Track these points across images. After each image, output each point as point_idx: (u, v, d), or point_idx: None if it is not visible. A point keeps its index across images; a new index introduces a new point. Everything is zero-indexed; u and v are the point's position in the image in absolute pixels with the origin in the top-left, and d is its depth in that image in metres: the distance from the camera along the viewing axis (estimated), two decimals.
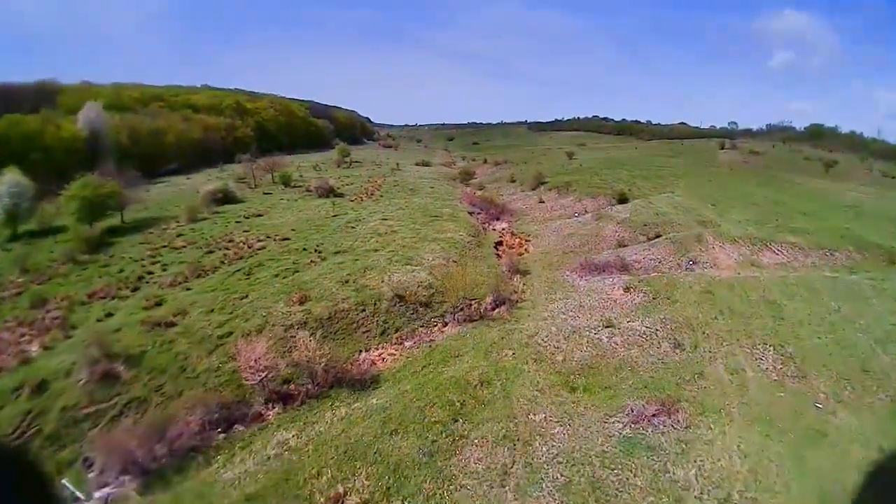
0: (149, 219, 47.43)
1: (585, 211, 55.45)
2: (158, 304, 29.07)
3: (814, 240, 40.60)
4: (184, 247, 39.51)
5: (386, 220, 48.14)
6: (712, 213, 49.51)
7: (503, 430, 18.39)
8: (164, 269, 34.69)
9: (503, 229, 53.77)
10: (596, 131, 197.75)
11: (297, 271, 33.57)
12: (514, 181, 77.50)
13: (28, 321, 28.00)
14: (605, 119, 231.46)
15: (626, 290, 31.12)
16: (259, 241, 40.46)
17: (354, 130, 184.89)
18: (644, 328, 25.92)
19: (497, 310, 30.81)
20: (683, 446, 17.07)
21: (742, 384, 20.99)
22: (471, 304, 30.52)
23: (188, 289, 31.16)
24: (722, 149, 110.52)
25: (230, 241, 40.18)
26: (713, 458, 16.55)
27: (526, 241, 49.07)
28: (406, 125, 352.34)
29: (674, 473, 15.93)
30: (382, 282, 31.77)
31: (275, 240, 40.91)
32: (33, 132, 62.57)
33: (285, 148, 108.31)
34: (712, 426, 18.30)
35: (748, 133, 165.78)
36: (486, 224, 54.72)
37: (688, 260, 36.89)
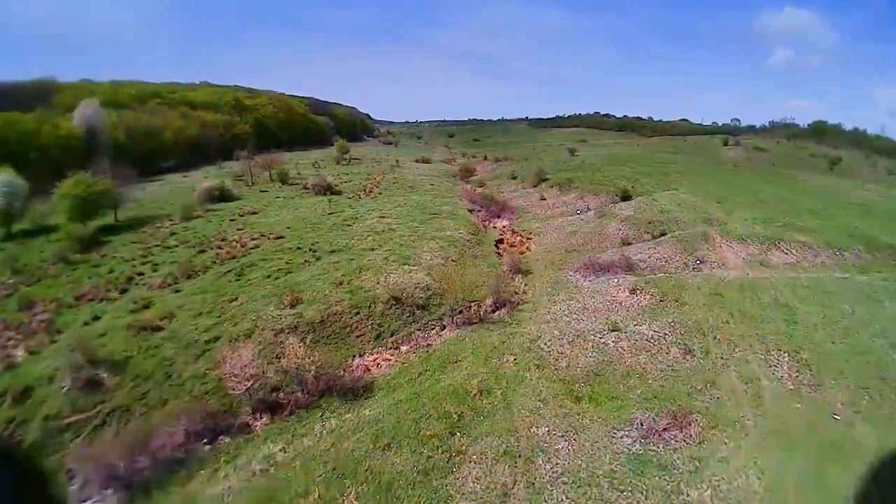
0: (143, 217, 46.44)
1: (588, 208, 54.27)
2: (146, 307, 28.21)
3: (823, 238, 39.45)
4: (176, 246, 38.45)
5: (384, 217, 46.99)
6: (718, 211, 48.32)
7: (504, 446, 17.24)
8: (155, 270, 33.66)
9: (504, 227, 52.66)
10: (597, 128, 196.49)
11: (290, 272, 32.45)
12: (515, 178, 76.30)
13: (15, 324, 27.25)
14: (606, 116, 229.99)
15: (632, 291, 29.94)
16: (253, 239, 39.37)
17: (354, 127, 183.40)
18: (652, 332, 24.75)
19: (497, 312, 29.73)
20: (697, 464, 15.93)
21: (757, 394, 19.85)
22: (470, 306, 29.41)
23: (177, 290, 30.11)
24: (725, 145, 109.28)
25: (223, 240, 39.07)
26: (729, 478, 15.41)
27: (527, 239, 47.92)
28: (407, 122, 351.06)
29: (687, 495, 14.80)
30: (378, 283, 30.64)
31: (269, 238, 39.81)
32: (30, 131, 61.95)
33: (285, 145, 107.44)
34: (727, 441, 17.17)
35: (751, 130, 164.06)
36: (487, 222, 53.56)
37: (695, 259, 35.72)
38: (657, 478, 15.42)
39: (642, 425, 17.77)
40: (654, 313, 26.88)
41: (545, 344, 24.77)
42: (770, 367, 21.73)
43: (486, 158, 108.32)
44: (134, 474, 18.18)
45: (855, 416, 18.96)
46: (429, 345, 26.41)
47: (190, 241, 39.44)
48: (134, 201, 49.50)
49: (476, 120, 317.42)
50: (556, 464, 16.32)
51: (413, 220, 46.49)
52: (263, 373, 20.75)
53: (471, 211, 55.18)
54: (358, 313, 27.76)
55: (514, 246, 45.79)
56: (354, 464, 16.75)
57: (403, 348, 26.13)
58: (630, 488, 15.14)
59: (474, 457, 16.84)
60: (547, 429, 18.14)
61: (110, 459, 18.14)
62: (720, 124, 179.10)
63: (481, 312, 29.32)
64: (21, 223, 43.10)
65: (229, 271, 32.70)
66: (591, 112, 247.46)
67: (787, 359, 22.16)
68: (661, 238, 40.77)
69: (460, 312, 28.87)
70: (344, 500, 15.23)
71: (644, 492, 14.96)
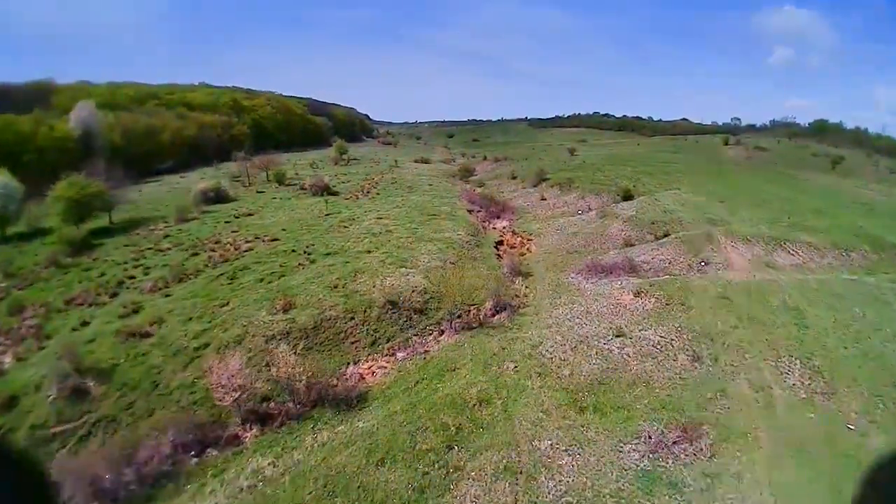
0: (138, 219, 45.63)
1: (589, 208, 53.34)
2: (136, 312, 27.49)
3: (828, 239, 38.66)
4: (169, 249, 37.63)
5: (381, 218, 46.10)
6: (722, 211, 47.50)
7: (504, 461, 16.31)
8: (146, 273, 32.85)
9: (504, 228, 51.73)
10: (597, 128, 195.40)
11: (284, 275, 31.54)
12: (514, 178, 75.34)
13: (5, 330, 26.65)
14: (606, 115, 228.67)
15: (637, 294, 29.04)
16: (247, 241, 38.50)
17: (353, 128, 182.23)
18: (658, 338, 23.82)
19: (497, 316, 28.81)
20: (709, 481, 15.02)
21: (769, 403, 18.95)
22: (469, 310, 28.50)
23: (168, 295, 29.28)
24: (726, 144, 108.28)
25: (217, 243, 38.21)
26: (743, 495, 14.53)
27: (528, 240, 47.03)
28: (406, 122, 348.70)
29: None
30: (374, 286, 29.73)
31: (263, 241, 38.94)
32: (26, 133, 61.32)
33: (283, 145, 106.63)
34: (739, 454, 16.28)
35: (752, 129, 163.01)
36: (486, 222, 52.62)
37: (700, 261, 34.85)
38: (667, 497, 14.47)
39: (650, 438, 16.85)
40: (660, 317, 25.98)
41: (547, 350, 23.88)
42: (781, 374, 20.84)
43: (485, 158, 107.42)
44: (120, 488, 17.37)
45: (870, 425, 18.11)
46: (426, 351, 25.50)
47: (183, 243, 38.62)
48: (129, 203, 48.64)
49: (475, 120, 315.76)
50: (560, 481, 15.37)
51: (411, 222, 45.58)
52: (252, 383, 19.84)
53: (470, 211, 54.23)
54: (353, 318, 26.86)
55: (515, 247, 44.87)
56: (346, 480, 15.86)
57: (400, 355, 25.21)
58: None
59: (473, 473, 15.90)
60: (550, 442, 17.20)
61: (96, 471, 17.35)
62: (720, 124, 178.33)
63: (481, 316, 28.43)
64: (16, 226, 42.61)
65: (221, 275, 31.83)
66: (591, 112, 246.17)
67: (798, 365, 21.28)
68: (665, 239, 39.88)
69: (459, 317, 27.98)
70: None
71: None
